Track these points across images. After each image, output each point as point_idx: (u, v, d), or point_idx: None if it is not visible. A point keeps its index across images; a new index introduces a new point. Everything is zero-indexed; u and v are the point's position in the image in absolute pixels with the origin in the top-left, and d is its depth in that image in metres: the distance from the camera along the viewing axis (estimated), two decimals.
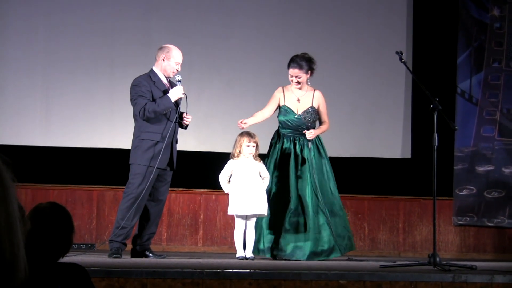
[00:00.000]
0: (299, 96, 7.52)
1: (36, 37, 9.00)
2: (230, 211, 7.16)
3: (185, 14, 9.22)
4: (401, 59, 6.53)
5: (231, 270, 5.18)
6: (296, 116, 7.44)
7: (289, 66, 7.49)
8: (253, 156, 7.14)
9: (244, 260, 6.90)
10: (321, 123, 7.54)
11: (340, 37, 9.38)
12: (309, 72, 7.49)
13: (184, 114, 7.11)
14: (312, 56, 7.54)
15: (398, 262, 6.34)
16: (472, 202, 9.21)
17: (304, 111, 7.45)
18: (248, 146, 7.13)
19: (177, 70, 7.07)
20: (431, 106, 6.22)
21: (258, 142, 7.18)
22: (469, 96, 9.31)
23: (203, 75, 9.18)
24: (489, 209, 9.20)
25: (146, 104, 6.84)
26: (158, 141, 6.88)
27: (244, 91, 9.23)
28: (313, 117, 7.48)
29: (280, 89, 7.60)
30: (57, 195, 8.74)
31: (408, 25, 9.46)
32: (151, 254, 7.00)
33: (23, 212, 1.82)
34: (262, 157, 7.27)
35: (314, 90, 7.57)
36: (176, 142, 7.12)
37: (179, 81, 7.02)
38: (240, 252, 7.06)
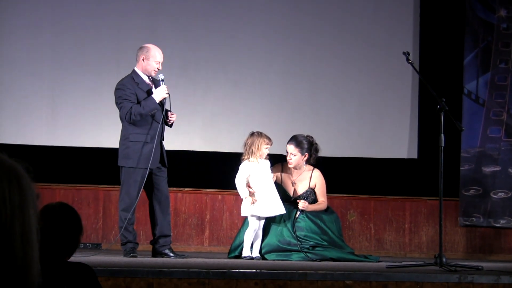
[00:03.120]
0: (295, 178, 7.44)
1: (42, 37, 9.00)
2: (247, 212, 7.12)
3: (191, 13, 9.22)
4: (408, 59, 6.52)
5: (237, 270, 5.19)
6: (291, 200, 7.35)
7: (288, 141, 7.44)
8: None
9: (251, 260, 6.90)
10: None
11: (346, 37, 9.37)
12: (306, 154, 7.39)
13: (169, 113, 7.12)
14: (316, 143, 7.46)
15: (404, 263, 6.34)
16: (479, 203, 9.20)
17: (300, 195, 7.35)
18: (267, 148, 7.13)
19: (158, 69, 7.08)
20: (438, 106, 6.21)
21: None
22: (476, 97, 9.30)
23: (210, 74, 9.17)
24: (496, 210, 9.18)
25: (131, 107, 6.89)
26: (146, 142, 6.92)
27: (251, 91, 9.23)
28: (310, 199, 7.36)
29: (278, 166, 7.50)
30: (63, 195, 8.75)
31: (415, 25, 9.45)
32: (172, 254, 7.02)
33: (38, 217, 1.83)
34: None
35: (313, 169, 7.46)
36: (163, 140, 7.14)
37: (162, 80, 7.03)
38: (247, 252, 7.05)
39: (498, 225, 9.19)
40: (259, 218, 7.08)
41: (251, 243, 7.08)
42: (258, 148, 7.09)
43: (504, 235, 9.22)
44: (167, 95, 7.02)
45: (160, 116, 7.00)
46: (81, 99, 8.97)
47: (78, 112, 8.96)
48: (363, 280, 5.19)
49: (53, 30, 9.04)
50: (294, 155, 7.36)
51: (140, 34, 8.96)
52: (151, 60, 7.05)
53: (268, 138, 7.16)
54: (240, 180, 7.09)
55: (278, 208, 7.05)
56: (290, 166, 7.41)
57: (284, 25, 9.31)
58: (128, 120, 6.90)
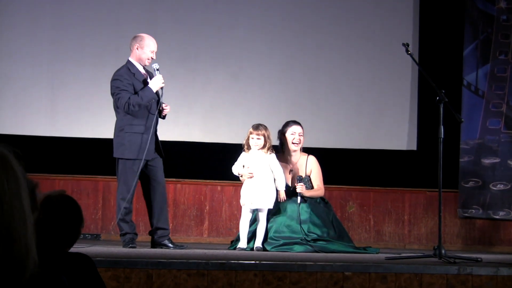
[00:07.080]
0: (292, 165, 7.37)
1: (42, 28, 9.00)
2: (241, 202, 7.16)
3: (191, 5, 9.21)
4: (407, 51, 6.51)
5: (236, 261, 5.19)
6: (291, 189, 7.26)
7: (289, 125, 7.36)
8: (261, 148, 7.10)
9: (250, 251, 6.88)
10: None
11: (346, 29, 9.36)
12: None
13: (163, 105, 7.05)
14: None
15: (403, 254, 6.34)
16: (478, 195, 9.20)
17: (296, 177, 7.25)
18: (253, 138, 7.09)
19: (152, 58, 7.04)
20: (437, 98, 6.20)
21: (266, 134, 7.09)
22: (475, 89, 9.29)
23: (209, 66, 9.17)
24: (495, 202, 9.18)
25: (129, 98, 6.85)
26: (142, 133, 6.89)
27: (250, 82, 9.22)
28: (307, 186, 7.29)
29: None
30: (62, 185, 8.75)
31: (414, 17, 9.44)
32: (171, 245, 7.00)
33: (36, 204, 1.83)
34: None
35: (308, 155, 7.42)
36: (156, 131, 7.08)
37: (157, 69, 6.99)
38: (242, 244, 7.03)
39: (497, 217, 9.20)
40: (251, 210, 7.07)
41: (250, 234, 7.07)
42: (247, 138, 7.12)
43: (503, 227, 9.23)
44: (163, 85, 6.98)
45: (155, 107, 6.97)
46: (80, 90, 8.97)
47: (78, 103, 8.96)
48: (362, 272, 5.19)
49: (52, 22, 9.03)
50: (302, 135, 7.35)
51: (139, 26, 8.94)
52: (146, 49, 7.02)
53: (254, 127, 7.13)
54: (234, 169, 7.16)
55: (267, 202, 7.02)
56: (297, 148, 7.35)
57: (283, 18, 9.30)
58: (127, 110, 6.85)
